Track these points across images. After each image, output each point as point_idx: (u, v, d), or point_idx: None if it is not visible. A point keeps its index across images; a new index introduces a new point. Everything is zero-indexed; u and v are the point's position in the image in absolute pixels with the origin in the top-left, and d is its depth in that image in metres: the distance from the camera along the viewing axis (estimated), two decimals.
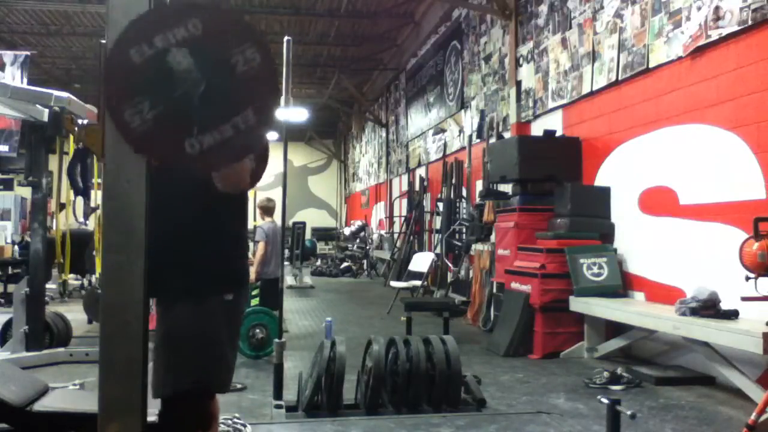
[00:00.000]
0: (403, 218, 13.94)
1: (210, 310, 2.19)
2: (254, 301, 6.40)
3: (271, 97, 1.85)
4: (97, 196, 6.85)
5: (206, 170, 1.99)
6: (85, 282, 10.11)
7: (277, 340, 4.33)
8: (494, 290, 7.41)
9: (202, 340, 2.18)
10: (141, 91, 1.74)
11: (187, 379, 2.16)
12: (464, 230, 9.60)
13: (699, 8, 5.09)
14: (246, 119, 1.77)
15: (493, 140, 8.65)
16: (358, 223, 18.67)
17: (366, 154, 20.57)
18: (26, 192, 8.27)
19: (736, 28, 4.72)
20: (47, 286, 6.40)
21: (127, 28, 1.76)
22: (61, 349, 5.68)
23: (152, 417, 2.95)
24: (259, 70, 1.77)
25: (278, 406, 4.05)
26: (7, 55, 11.13)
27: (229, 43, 1.76)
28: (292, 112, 4.65)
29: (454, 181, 10.71)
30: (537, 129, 7.92)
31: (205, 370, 2.20)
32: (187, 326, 2.17)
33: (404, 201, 14.42)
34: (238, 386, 4.77)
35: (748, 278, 3.81)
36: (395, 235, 14.23)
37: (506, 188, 8.04)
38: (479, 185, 9.35)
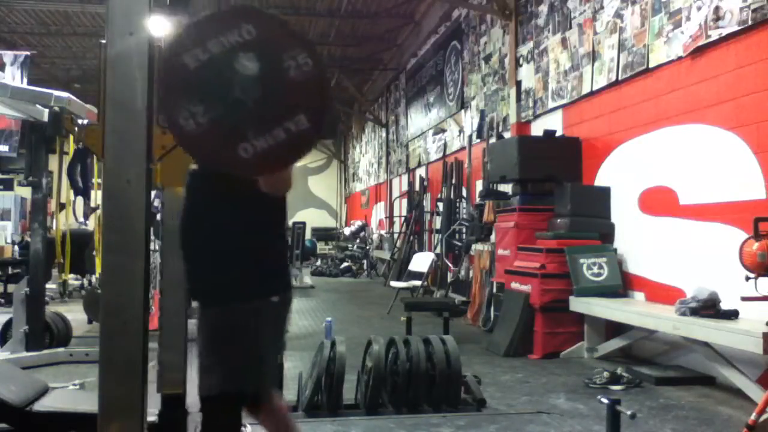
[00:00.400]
0: (403, 218, 13.94)
1: (257, 313, 2.19)
2: None
3: (323, 101, 1.87)
4: (97, 196, 6.84)
5: (258, 174, 1.99)
6: (85, 282, 10.10)
7: None
8: (494, 290, 7.40)
9: (248, 343, 2.18)
10: (195, 95, 1.76)
11: (235, 381, 2.17)
12: (464, 230, 9.59)
13: (699, 8, 5.09)
14: (298, 123, 1.79)
15: (493, 140, 8.65)
16: (358, 223, 18.66)
17: (366, 154, 20.57)
18: (26, 192, 8.25)
19: (736, 28, 4.71)
20: (47, 286, 6.40)
21: (182, 32, 1.80)
22: (61, 349, 5.67)
23: (152, 417, 2.95)
24: (310, 75, 1.78)
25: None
26: (7, 55, 11.12)
27: (281, 48, 1.77)
28: None
29: (454, 181, 10.71)
30: (537, 129, 7.92)
31: (250, 373, 2.21)
32: (235, 329, 2.18)
33: (404, 201, 14.41)
34: None
35: (748, 278, 3.80)
36: (395, 235, 14.22)
37: (506, 188, 8.04)
38: (479, 185, 9.35)
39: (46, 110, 5.26)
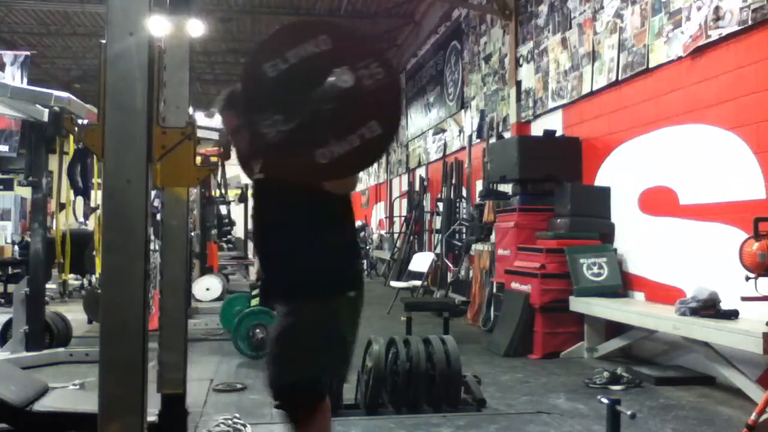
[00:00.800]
0: (403, 218, 13.94)
1: (334, 308, 2.27)
2: (254, 302, 6.41)
3: (395, 108, 2.01)
4: (97, 196, 6.84)
5: (334, 178, 2.11)
6: (85, 282, 10.09)
7: None
8: (494, 290, 7.40)
9: (327, 336, 2.26)
10: (276, 103, 1.86)
11: (311, 371, 2.25)
12: (464, 230, 9.59)
13: (699, 8, 5.09)
14: (371, 130, 1.89)
15: (493, 140, 8.65)
16: (358, 223, 18.65)
17: None
18: (26, 192, 8.23)
19: (736, 28, 4.72)
20: (47, 286, 6.39)
21: (261, 43, 1.94)
22: (61, 349, 5.67)
23: (152, 417, 2.95)
24: (383, 84, 1.88)
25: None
26: (7, 55, 11.13)
27: (355, 57, 1.85)
28: None
29: (454, 181, 10.70)
30: (537, 129, 7.92)
31: (329, 363, 2.30)
32: (315, 322, 2.25)
33: (404, 201, 14.41)
34: (238, 386, 4.77)
35: (748, 278, 3.80)
36: (395, 235, 14.22)
37: (506, 188, 8.04)
38: (479, 185, 9.34)
39: (46, 110, 5.26)
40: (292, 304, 2.32)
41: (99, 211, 6.20)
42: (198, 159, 2.95)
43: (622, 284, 5.95)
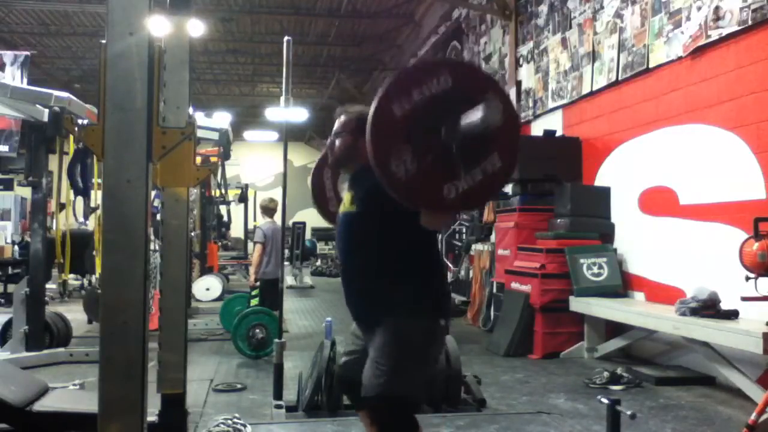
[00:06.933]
0: None
1: (431, 331, 2.27)
2: (254, 302, 6.41)
3: (514, 141, 2.07)
4: (97, 196, 6.84)
5: (460, 211, 2.14)
6: (85, 282, 10.09)
7: (277, 340, 4.33)
8: (494, 290, 7.40)
9: (422, 355, 2.25)
10: (404, 142, 1.90)
11: (403, 386, 2.22)
12: (464, 230, 9.59)
13: (699, 8, 5.09)
14: (493, 163, 1.96)
15: None
16: None
17: None
18: (26, 192, 8.22)
19: (736, 28, 4.72)
20: (47, 286, 6.39)
21: (387, 86, 1.94)
22: (61, 349, 5.67)
23: (152, 417, 2.96)
24: (502, 117, 1.90)
25: (278, 406, 4.05)
26: (7, 55, 11.13)
27: (475, 93, 1.89)
28: (292, 112, 4.66)
29: None
30: (537, 129, 7.92)
31: (418, 382, 2.28)
32: (414, 341, 2.23)
33: None
34: (238, 386, 4.77)
35: (748, 278, 3.80)
36: None
37: (506, 188, 8.04)
38: None
39: (46, 110, 5.26)
40: (392, 320, 2.28)
41: (99, 211, 6.20)
42: (198, 159, 2.95)
43: (622, 284, 5.95)
